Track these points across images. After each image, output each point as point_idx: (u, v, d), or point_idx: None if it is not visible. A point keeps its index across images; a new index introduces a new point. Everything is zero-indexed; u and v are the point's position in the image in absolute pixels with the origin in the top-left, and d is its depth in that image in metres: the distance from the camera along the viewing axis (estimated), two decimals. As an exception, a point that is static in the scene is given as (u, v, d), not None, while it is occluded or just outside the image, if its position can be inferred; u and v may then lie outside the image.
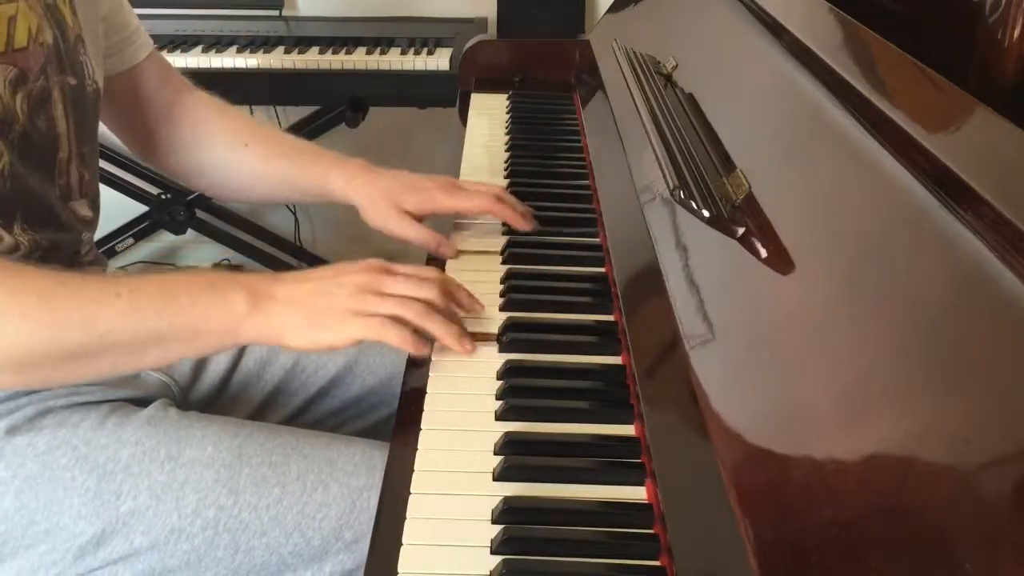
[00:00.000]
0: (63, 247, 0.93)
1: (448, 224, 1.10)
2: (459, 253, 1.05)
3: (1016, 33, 0.66)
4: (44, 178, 0.90)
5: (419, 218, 1.06)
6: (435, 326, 0.82)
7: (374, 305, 0.80)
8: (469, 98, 1.55)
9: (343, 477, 0.86)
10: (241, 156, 1.12)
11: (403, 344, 0.80)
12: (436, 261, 1.04)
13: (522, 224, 1.06)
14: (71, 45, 0.91)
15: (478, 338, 0.86)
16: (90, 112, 0.95)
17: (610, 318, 0.90)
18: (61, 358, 0.77)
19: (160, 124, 1.12)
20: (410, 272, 0.85)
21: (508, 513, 0.66)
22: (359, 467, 0.86)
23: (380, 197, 1.06)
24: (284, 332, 0.79)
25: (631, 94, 1.03)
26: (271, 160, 1.12)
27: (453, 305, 0.86)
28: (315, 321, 0.79)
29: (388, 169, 1.09)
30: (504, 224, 1.08)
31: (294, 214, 2.49)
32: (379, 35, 2.11)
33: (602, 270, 0.99)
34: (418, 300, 0.82)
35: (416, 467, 0.72)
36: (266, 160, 1.12)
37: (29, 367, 0.77)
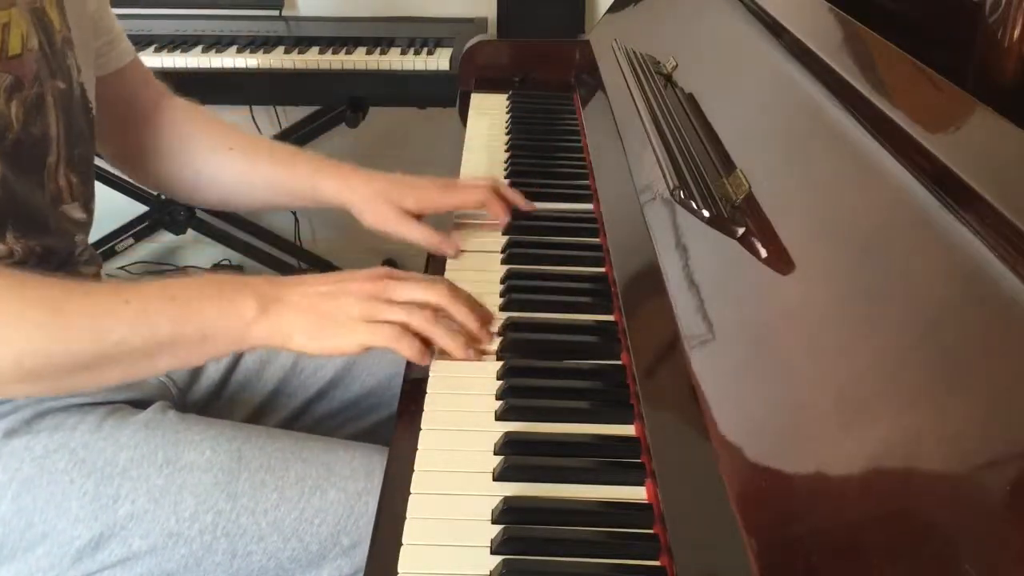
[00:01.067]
0: (57, 251, 0.93)
1: (447, 224, 1.10)
2: (460, 252, 1.04)
3: (1016, 33, 0.66)
4: (34, 184, 0.89)
5: (418, 217, 1.05)
6: (440, 334, 0.82)
7: (382, 311, 0.80)
8: (469, 98, 1.55)
9: (341, 482, 0.85)
10: (226, 161, 1.10)
11: (410, 352, 0.80)
12: (436, 262, 1.04)
13: (505, 220, 1.07)
14: (58, 48, 0.90)
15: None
16: (78, 115, 0.94)
17: (610, 318, 0.90)
18: (73, 368, 0.77)
19: (141, 130, 1.10)
20: (417, 278, 0.85)
21: (508, 513, 0.66)
22: (357, 472, 0.86)
23: (376, 197, 1.05)
24: (292, 336, 0.79)
25: (631, 94, 1.03)
26: (257, 164, 1.10)
27: (463, 310, 0.85)
28: (323, 325, 0.79)
29: (379, 171, 1.08)
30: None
31: (294, 214, 2.49)
32: (379, 35, 2.11)
33: (602, 270, 0.99)
34: (425, 307, 0.82)
35: (416, 467, 0.72)
36: (252, 164, 1.10)
37: (41, 378, 0.77)
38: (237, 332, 0.79)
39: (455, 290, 0.85)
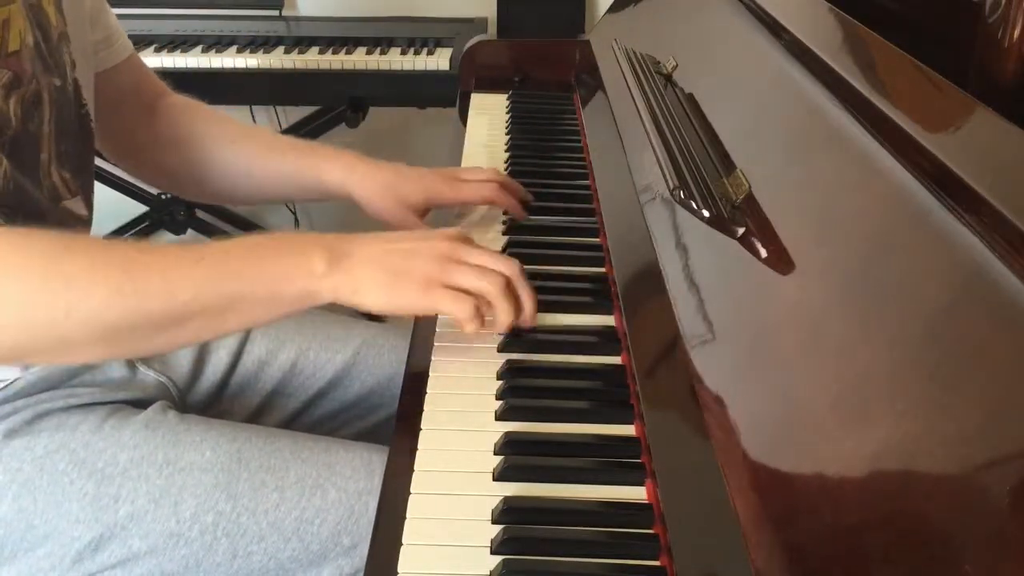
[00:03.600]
0: None
1: (446, 221, 1.10)
2: None
3: (1016, 33, 0.66)
4: (32, 181, 0.89)
5: (423, 212, 1.05)
6: (503, 309, 0.81)
7: (453, 273, 0.79)
8: (469, 98, 1.55)
9: (341, 482, 0.85)
10: (228, 153, 1.09)
11: (470, 323, 0.79)
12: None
13: (521, 212, 1.07)
14: (54, 44, 0.90)
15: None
16: (69, 111, 0.93)
17: (610, 319, 0.90)
18: (148, 327, 0.75)
19: (141, 126, 1.09)
20: (488, 249, 0.84)
21: (508, 513, 0.66)
22: (358, 471, 0.86)
23: (384, 191, 1.04)
24: (361, 290, 0.78)
25: (631, 94, 1.03)
26: (261, 155, 1.09)
27: (527, 291, 0.84)
28: (393, 282, 0.78)
29: (383, 160, 1.07)
30: (504, 223, 1.08)
31: (294, 214, 2.49)
32: (379, 35, 2.11)
33: (602, 270, 0.99)
34: (497, 274, 0.81)
35: (416, 467, 0.72)
36: (256, 155, 1.09)
37: (117, 338, 0.76)
38: (308, 287, 0.78)
39: (520, 267, 0.84)
